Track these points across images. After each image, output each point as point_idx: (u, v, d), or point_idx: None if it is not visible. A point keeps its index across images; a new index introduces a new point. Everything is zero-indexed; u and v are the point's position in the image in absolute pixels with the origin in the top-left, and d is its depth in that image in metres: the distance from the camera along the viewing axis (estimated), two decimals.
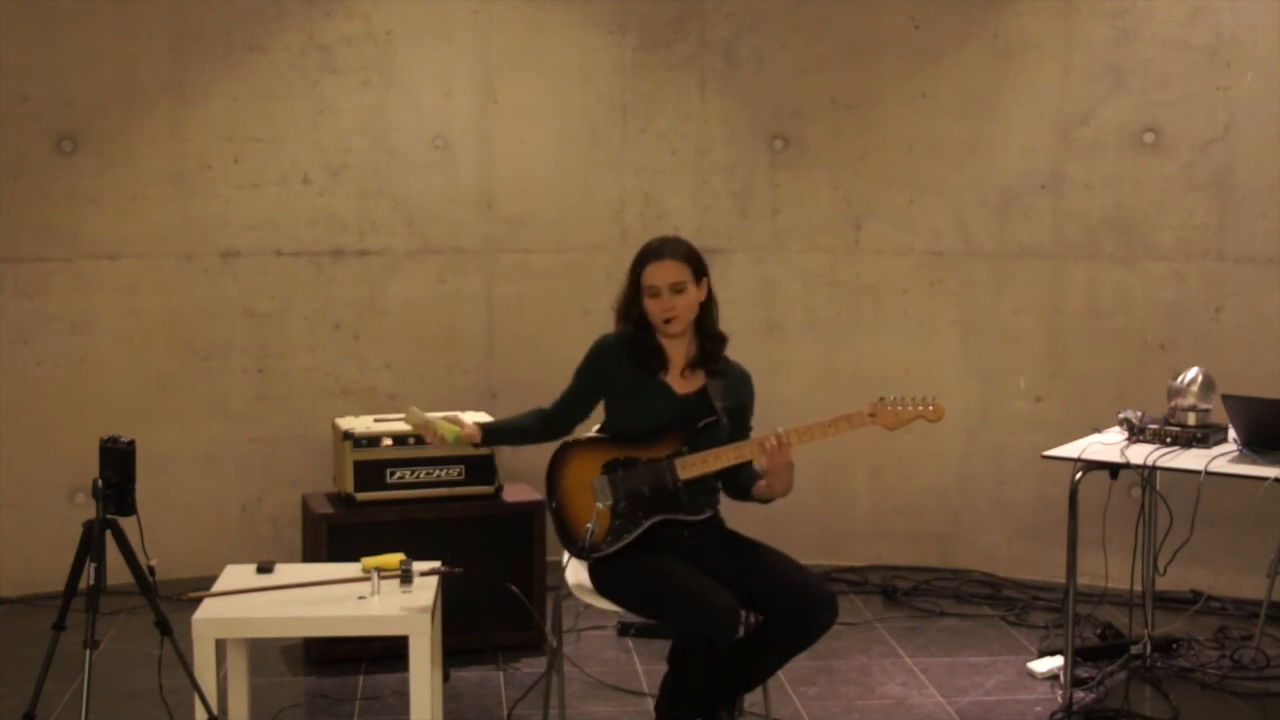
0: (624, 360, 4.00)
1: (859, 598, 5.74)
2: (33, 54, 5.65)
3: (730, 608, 3.70)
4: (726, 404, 3.98)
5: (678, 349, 4.01)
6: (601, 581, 3.97)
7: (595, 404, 4.07)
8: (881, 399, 3.91)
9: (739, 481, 4.02)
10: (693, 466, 3.89)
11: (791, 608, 3.80)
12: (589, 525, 3.89)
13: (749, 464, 3.98)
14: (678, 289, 3.93)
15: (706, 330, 4.02)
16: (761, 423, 4.08)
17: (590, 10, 6.04)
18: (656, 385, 3.99)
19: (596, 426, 4.12)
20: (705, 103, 6.09)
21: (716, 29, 6.05)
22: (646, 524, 3.89)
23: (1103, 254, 5.79)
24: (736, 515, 4.21)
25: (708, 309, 4.03)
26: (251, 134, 5.87)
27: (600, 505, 3.90)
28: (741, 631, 3.98)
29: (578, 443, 4.02)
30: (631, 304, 4.00)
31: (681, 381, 4.01)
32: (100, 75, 5.72)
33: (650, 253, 3.97)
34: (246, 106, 5.85)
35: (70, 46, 5.67)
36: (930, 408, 3.92)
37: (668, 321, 3.95)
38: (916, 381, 5.99)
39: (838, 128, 6.05)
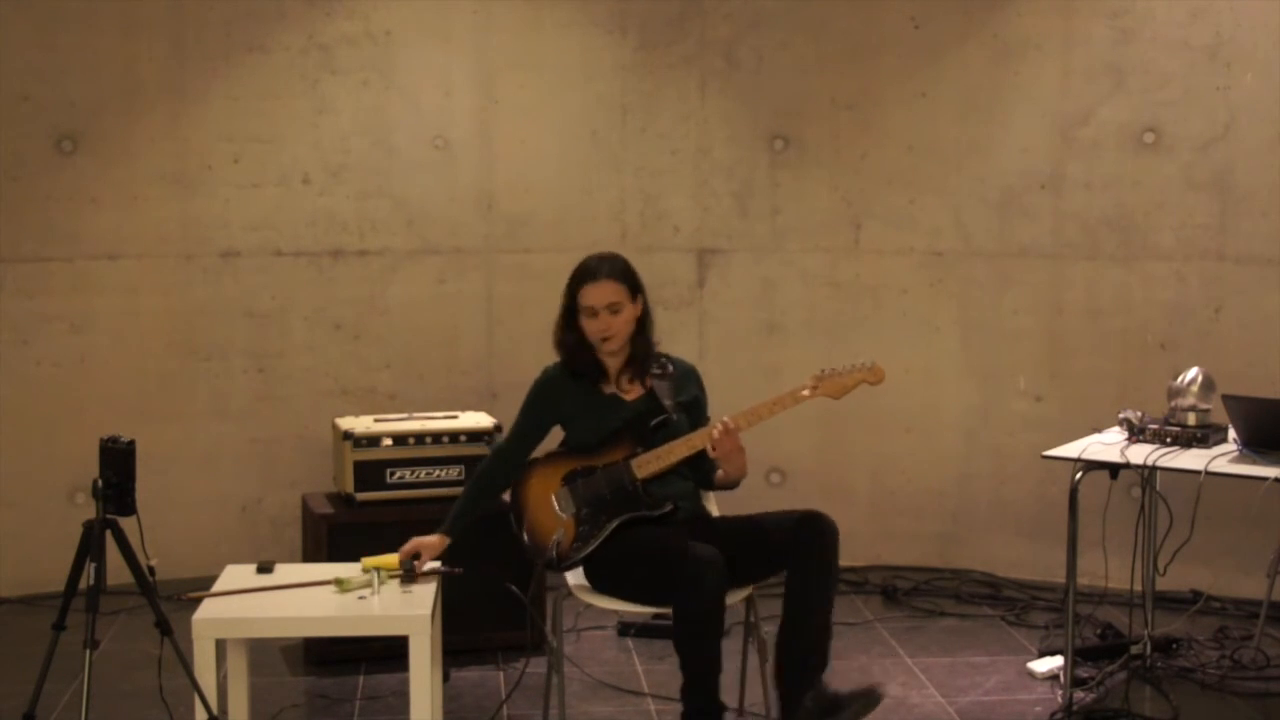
0: (569, 386, 4.09)
1: (859, 598, 5.74)
2: (33, 54, 5.65)
3: (709, 552, 3.73)
4: (677, 400, 4.07)
5: (614, 360, 4.10)
6: (596, 578, 4.01)
7: (545, 435, 4.15)
8: (822, 371, 3.99)
9: (702, 472, 4.10)
10: (648, 465, 3.97)
11: (790, 535, 3.83)
12: (555, 537, 3.95)
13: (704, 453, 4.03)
14: (614, 309, 4.01)
15: (640, 345, 4.09)
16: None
17: (590, 10, 6.04)
18: (604, 398, 4.07)
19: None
20: (705, 103, 6.09)
21: (716, 29, 6.05)
22: (610, 526, 3.94)
23: (1103, 254, 5.78)
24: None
25: (643, 324, 4.10)
26: (251, 134, 5.87)
27: (564, 516, 3.97)
28: (736, 645, 3.98)
29: (535, 461, 4.09)
30: (568, 323, 4.08)
31: (628, 389, 4.09)
32: (100, 75, 5.72)
33: (586, 273, 4.04)
34: (246, 106, 5.85)
35: (70, 46, 5.67)
36: (870, 370, 3.98)
37: (605, 340, 4.03)
38: (916, 381, 6.02)
39: (838, 128, 6.05)
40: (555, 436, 4.22)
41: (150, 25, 5.75)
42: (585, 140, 6.11)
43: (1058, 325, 5.87)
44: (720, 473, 4.05)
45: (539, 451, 4.14)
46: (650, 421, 4.01)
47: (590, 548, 3.94)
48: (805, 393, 3.94)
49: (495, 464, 4.18)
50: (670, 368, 4.14)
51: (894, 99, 6.00)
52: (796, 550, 3.83)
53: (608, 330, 4.02)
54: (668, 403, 4.05)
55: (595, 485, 3.99)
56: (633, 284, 4.06)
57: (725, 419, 3.91)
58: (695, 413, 4.14)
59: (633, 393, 4.09)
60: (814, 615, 3.84)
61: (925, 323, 6.04)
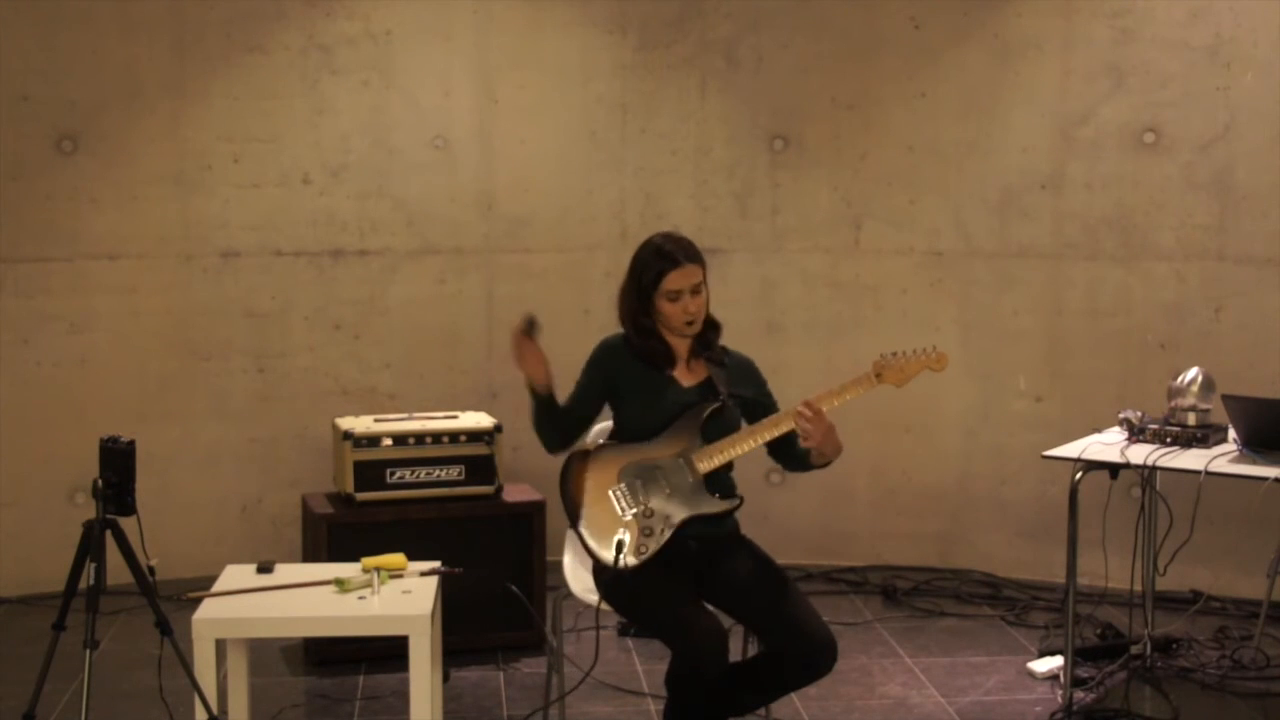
0: (630, 360, 3.97)
1: (859, 598, 5.74)
2: (33, 54, 5.65)
3: (715, 634, 3.65)
4: (733, 392, 3.96)
5: (682, 342, 3.99)
6: (604, 586, 3.93)
7: (603, 403, 4.02)
8: (882, 356, 3.86)
9: (793, 453, 3.94)
10: (709, 458, 3.85)
11: (792, 653, 3.76)
12: (618, 538, 3.79)
13: (795, 435, 3.88)
14: (696, 290, 3.90)
15: (707, 320, 4.00)
16: None
17: (590, 10, 6.04)
18: (663, 380, 3.95)
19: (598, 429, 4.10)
20: (705, 103, 6.10)
21: (716, 29, 6.05)
22: (676, 523, 3.81)
23: (1103, 254, 5.79)
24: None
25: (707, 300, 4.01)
26: (251, 134, 5.87)
27: (626, 516, 3.83)
28: (737, 650, 3.93)
29: (587, 453, 3.94)
30: (641, 309, 3.93)
31: (687, 374, 3.98)
32: (100, 75, 5.72)
33: (668, 259, 3.89)
34: (246, 106, 5.85)
35: (71, 46, 5.67)
36: (934, 357, 3.85)
37: (690, 324, 3.92)
38: (916, 381, 5.99)
39: (838, 128, 6.05)
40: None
41: (150, 25, 5.75)
42: (585, 140, 6.11)
43: (1058, 325, 5.87)
44: (815, 453, 3.86)
45: (589, 441, 4.04)
46: (706, 410, 3.89)
47: (654, 550, 3.79)
48: (870, 382, 3.82)
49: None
50: (726, 359, 4.02)
51: (894, 99, 6.00)
52: (788, 660, 3.77)
53: (693, 313, 3.91)
54: (723, 390, 3.93)
55: (656, 482, 3.84)
56: (704, 263, 3.96)
57: (803, 407, 3.75)
58: (762, 406, 3.99)
59: (691, 377, 3.97)
60: (761, 698, 3.92)
61: (925, 323, 6.03)
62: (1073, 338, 5.85)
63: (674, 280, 3.88)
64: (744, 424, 3.96)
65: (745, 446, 3.86)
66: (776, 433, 3.86)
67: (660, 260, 3.90)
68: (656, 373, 3.96)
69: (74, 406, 5.75)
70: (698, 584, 3.86)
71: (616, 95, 6.09)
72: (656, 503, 3.84)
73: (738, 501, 3.92)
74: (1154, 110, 5.65)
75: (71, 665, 3.89)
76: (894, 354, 3.86)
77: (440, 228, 6.06)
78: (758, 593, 3.85)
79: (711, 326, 4.01)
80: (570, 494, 3.91)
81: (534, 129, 6.08)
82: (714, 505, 3.87)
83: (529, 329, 3.85)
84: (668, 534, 3.81)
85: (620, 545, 3.78)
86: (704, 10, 6.04)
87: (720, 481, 3.93)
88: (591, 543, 3.85)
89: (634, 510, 3.83)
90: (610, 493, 3.86)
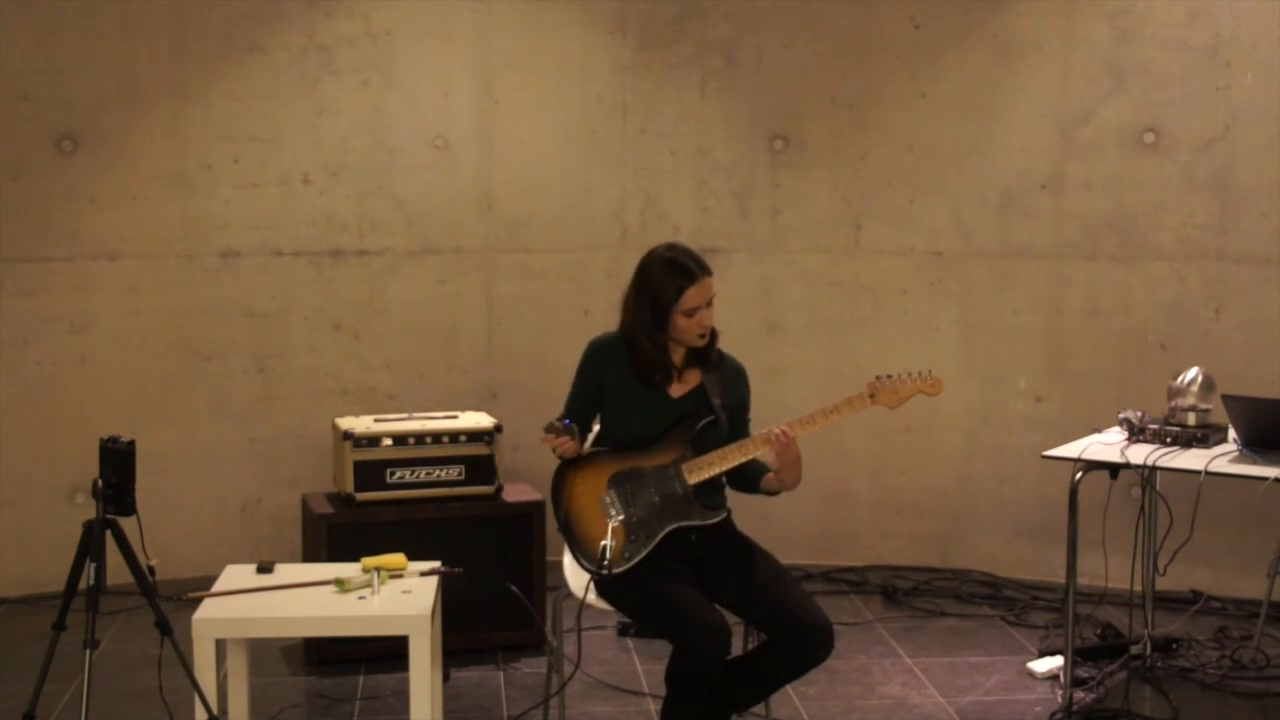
0: (622, 365, 3.96)
1: (859, 598, 5.74)
2: (33, 54, 5.65)
3: (720, 627, 3.67)
4: (723, 400, 3.97)
5: (678, 351, 3.98)
6: (602, 586, 3.93)
7: (600, 405, 4.02)
8: (878, 378, 3.89)
9: (746, 475, 3.99)
10: (700, 470, 3.87)
11: (790, 639, 3.78)
12: (604, 543, 3.79)
13: (754, 458, 3.95)
14: (710, 303, 3.91)
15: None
16: (761, 424, 4.07)
17: (590, 10, 6.04)
18: (652, 393, 3.96)
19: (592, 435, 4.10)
20: (705, 103, 6.10)
21: (716, 29, 6.05)
22: (661, 534, 3.84)
23: (1103, 254, 5.79)
24: (737, 516, 4.20)
25: None
26: (251, 134, 5.87)
27: (613, 522, 3.83)
28: (739, 648, 3.94)
29: (579, 459, 3.95)
30: (657, 325, 3.91)
31: (677, 384, 3.98)
32: (100, 75, 5.72)
33: (686, 275, 3.88)
34: (246, 106, 5.85)
35: (70, 46, 5.67)
36: (929, 381, 3.89)
37: (702, 336, 3.93)
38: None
39: (838, 128, 6.06)
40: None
41: (150, 25, 5.75)
42: (585, 140, 6.11)
43: (1058, 325, 5.87)
44: (772, 477, 3.92)
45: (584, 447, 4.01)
46: (698, 424, 3.90)
47: (640, 556, 3.81)
48: (864, 402, 3.85)
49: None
50: (722, 363, 4.02)
51: (894, 99, 6.00)
52: (787, 648, 3.79)
53: (707, 326, 3.92)
54: (716, 402, 3.94)
55: (645, 490, 3.87)
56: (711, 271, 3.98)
57: (785, 427, 3.81)
58: (738, 415, 4.02)
59: (681, 387, 3.97)
60: (763, 689, 3.94)
61: (925, 323, 6.04)
62: (1073, 338, 5.85)
63: (693, 296, 3.88)
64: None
65: (733, 460, 3.89)
66: (766, 449, 3.88)
67: (679, 277, 3.89)
68: (646, 385, 3.96)
69: (74, 406, 5.75)
70: (699, 575, 3.87)
71: (616, 95, 6.09)
72: (644, 511, 3.86)
73: (725, 513, 3.95)
74: (1154, 110, 5.65)
75: (71, 665, 3.89)
76: (889, 376, 3.89)
77: (440, 228, 6.06)
78: (752, 581, 3.88)
79: (712, 336, 4.00)
80: (561, 497, 3.94)
81: (534, 129, 6.08)
82: (701, 516, 3.88)
83: (563, 429, 3.85)
84: (653, 543, 3.84)
85: (606, 550, 3.79)
86: (704, 10, 6.04)
87: (710, 491, 3.94)
88: (577, 547, 3.89)
89: (621, 517, 3.85)
90: (600, 499, 3.89)
